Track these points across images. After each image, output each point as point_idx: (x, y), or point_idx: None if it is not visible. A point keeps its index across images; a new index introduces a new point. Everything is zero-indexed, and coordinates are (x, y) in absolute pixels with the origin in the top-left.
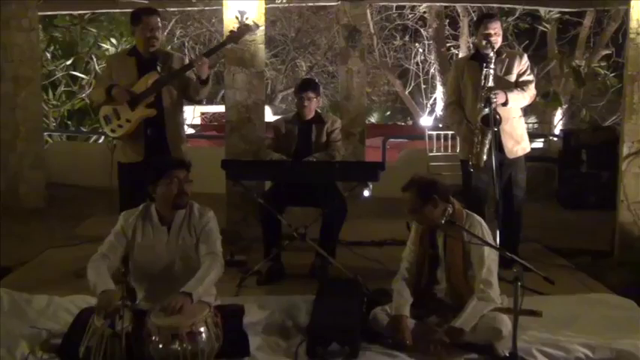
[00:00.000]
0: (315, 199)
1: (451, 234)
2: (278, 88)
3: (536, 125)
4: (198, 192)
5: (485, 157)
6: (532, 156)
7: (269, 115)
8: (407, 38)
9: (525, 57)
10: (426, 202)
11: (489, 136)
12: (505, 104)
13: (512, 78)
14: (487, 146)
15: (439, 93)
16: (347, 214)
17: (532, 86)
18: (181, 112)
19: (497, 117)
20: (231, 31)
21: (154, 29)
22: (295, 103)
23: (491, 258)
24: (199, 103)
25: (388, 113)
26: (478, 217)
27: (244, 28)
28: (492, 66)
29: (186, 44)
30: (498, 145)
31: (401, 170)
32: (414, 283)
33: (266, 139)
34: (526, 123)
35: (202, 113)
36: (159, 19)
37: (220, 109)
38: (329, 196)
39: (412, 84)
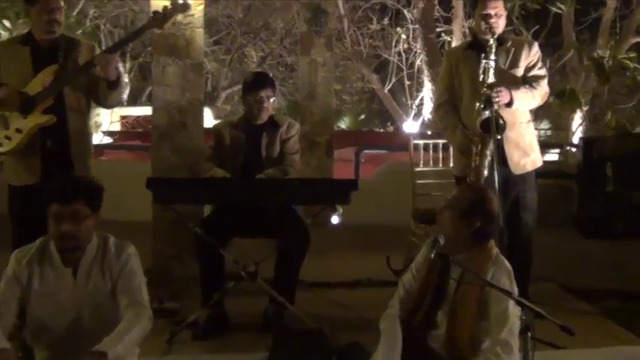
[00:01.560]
0: (268, 228)
1: (471, 271)
2: (221, 84)
3: (549, 132)
4: (115, 219)
5: (485, 173)
6: (544, 171)
7: (209, 119)
8: (386, 21)
9: (536, 46)
10: (470, 221)
11: (491, 146)
12: (510, 105)
13: (519, 72)
14: (488, 159)
15: (427, 91)
16: (310, 246)
17: (544, 83)
18: (89, 117)
19: (501, 122)
20: (154, 13)
21: (55, 10)
22: (243, 103)
23: (515, 314)
24: (110, 108)
25: (363, 117)
26: (507, 263)
27: (170, 10)
28: (493, 57)
29: (102, 28)
30: (502, 158)
31: (379, 189)
32: (405, 321)
33: (205, 151)
34: (537, 129)
35: (122, 117)
36: None
37: (146, 111)
38: (286, 224)
39: (393, 80)
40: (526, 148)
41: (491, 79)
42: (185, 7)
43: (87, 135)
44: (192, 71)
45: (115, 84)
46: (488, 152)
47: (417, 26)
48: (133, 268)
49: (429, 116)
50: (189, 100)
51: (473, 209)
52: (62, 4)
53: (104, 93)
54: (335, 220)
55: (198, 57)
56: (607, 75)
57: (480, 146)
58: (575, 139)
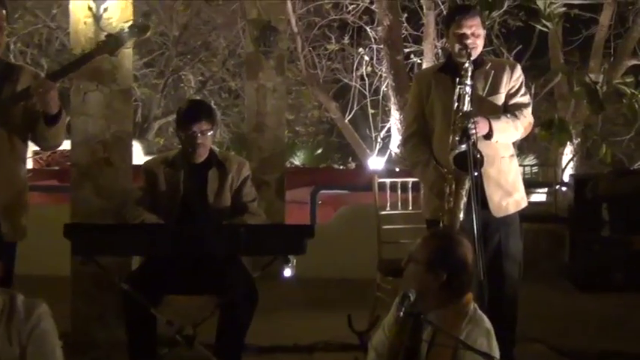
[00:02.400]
0: (209, 284)
1: (442, 331)
2: (153, 113)
3: (535, 169)
4: (27, 274)
5: (461, 216)
6: (531, 214)
7: (139, 156)
8: (346, 40)
9: (518, 69)
10: (437, 274)
11: (467, 185)
12: (489, 137)
13: (500, 99)
14: (464, 200)
15: (395, 121)
16: (258, 304)
17: (528, 111)
18: (24, 160)
19: (479, 156)
20: (108, 36)
21: None
22: (179, 137)
23: None
24: (48, 150)
25: (319, 152)
26: (486, 320)
27: (123, 36)
28: (469, 81)
29: (11, 47)
30: (481, 199)
31: (339, 236)
32: None
33: (134, 192)
34: (521, 165)
35: (35, 153)
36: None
37: (64, 145)
38: (230, 279)
39: (355, 108)
40: (509, 187)
41: (467, 107)
42: (144, 30)
43: (19, 182)
44: (119, 99)
45: (56, 119)
46: (463, 192)
47: (381, 46)
48: (45, 331)
49: (397, 150)
50: (115, 132)
51: (438, 259)
52: (4, 24)
53: (42, 131)
54: (287, 272)
55: (126, 82)
56: (600, 102)
57: (454, 185)
58: (566, 177)
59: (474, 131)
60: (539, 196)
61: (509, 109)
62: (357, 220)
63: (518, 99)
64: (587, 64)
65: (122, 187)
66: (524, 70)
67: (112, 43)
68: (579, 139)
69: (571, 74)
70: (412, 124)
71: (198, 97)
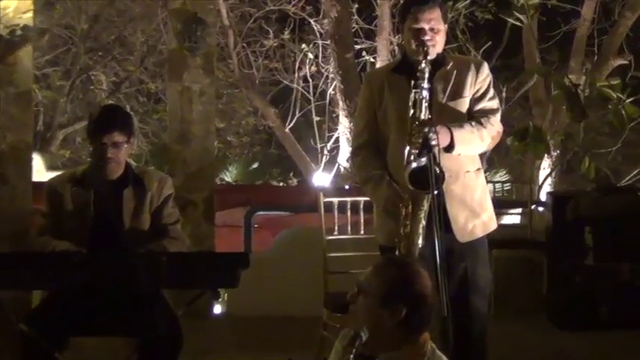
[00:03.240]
0: (124, 323)
1: None
2: (58, 121)
3: (507, 186)
4: None
5: (420, 242)
6: (502, 239)
7: (40, 171)
8: (287, 35)
9: (485, 68)
10: (393, 309)
11: (426, 205)
12: (450, 149)
13: (464, 104)
14: (422, 223)
15: (344, 130)
16: (182, 346)
17: (495, 119)
18: None
19: (438, 171)
20: None
21: None
22: (89, 150)
23: None
24: None
25: (255, 166)
26: None
27: (15, 41)
28: (426, 84)
29: None
30: (443, 221)
31: (278, 266)
32: None
33: (36, 216)
34: (491, 182)
35: None
36: None
37: None
38: (150, 317)
39: (297, 114)
40: (475, 207)
41: (424, 114)
42: (41, 34)
43: None
44: (17, 104)
45: None
46: (422, 214)
47: (328, 42)
48: None
49: (346, 164)
50: (12, 143)
51: (396, 292)
52: None
53: None
54: (217, 309)
55: (26, 84)
56: (582, 108)
57: (411, 205)
58: (543, 195)
59: (434, 142)
60: (512, 217)
61: (475, 116)
62: (300, 246)
63: (485, 104)
64: (567, 63)
65: (19, 208)
66: (493, 70)
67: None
68: (558, 151)
69: (548, 76)
70: (362, 134)
71: (111, 102)
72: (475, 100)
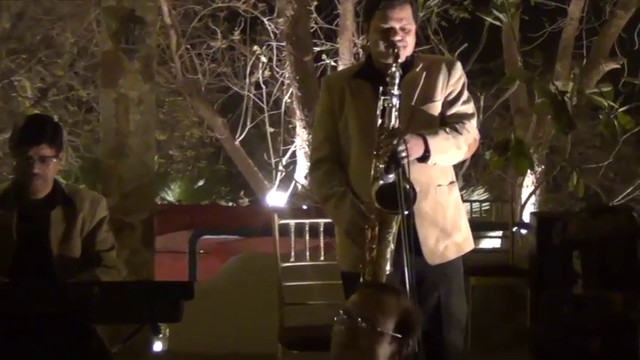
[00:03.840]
0: None
1: None
2: None
3: (486, 206)
4: None
5: (388, 268)
6: (481, 265)
7: None
8: (237, 36)
9: (459, 68)
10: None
11: (395, 227)
12: (425, 159)
13: (435, 108)
14: (391, 246)
15: (301, 143)
16: None
17: (472, 124)
18: None
19: (409, 188)
20: None
21: None
22: (12, 165)
23: None
24: None
25: (201, 183)
26: None
27: None
28: (397, 91)
29: None
30: (412, 243)
31: (227, 297)
32: None
33: None
34: (468, 201)
35: None
36: None
37: None
38: (81, 355)
39: (248, 125)
40: (447, 225)
41: (394, 123)
42: None
43: None
44: None
45: None
46: (390, 237)
47: (284, 44)
48: None
49: (304, 181)
50: None
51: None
52: None
53: None
54: (158, 346)
55: None
56: (570, 118)
57: (378, 228)
58: (526, 216)
59: (404, 155)
60: (492, 241)
61: (448, 122)
62: (252, 275)
63: (458, 108)
64: (552, 68)
65: None
66: (470, 75)
67: None
68: (543, 167)
69: (531, 81)
70: (322, 146)
71: (37, 111)
72: (447, 104)
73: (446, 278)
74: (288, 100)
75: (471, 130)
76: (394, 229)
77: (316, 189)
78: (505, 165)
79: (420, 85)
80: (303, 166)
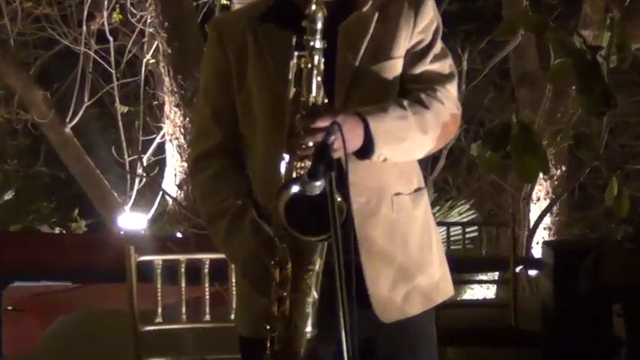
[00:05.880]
0: None
1: None
2: None
3: (472, 230)
4: None
5: (309, 330)
6: (464, 328)
7: None
8: None
9: (430, 7)
10: None
11: (319, 263)
12: (367, 153)
13: (393, 68)
14: (314, 295)
15: (173, 128)
16: None
17: (448, 92)
18: None
19: (339, 199)
20: None
21: None
22: None
23: None
24: None
25: (10, 197)
26: None
27: None
28: (319, 43)
29: None
30: (353, 289)
31: None
32: None
33: None
34: (442, 223)
35: None
36: None
37: None
38: None
39: (86, 101)
40: (409, 260)
41: (315, 94)
42: None
43: None
44: None
45: None
46: (310, 278)
47: None
48: None
49: (177, 192)
50: None
51: None
52: None
53: None
54: None
55: None
56: (606, 90)
57: (290, 264)
58: (537, 249)
59: (336, 147)
60: (482, 289)
61: (411, 89)
62: (92, 343)
63: (427, 66)
64: (577, 9)
65: None
66: (446, 20)
67: None
68: (564, 168)
69: (544, 30)
70: (208, 134)
71: None
72: (411, 61)
73: (407, 346)
74: (152, 61)
75: (446, 101)
76: (318, 265)
77: (200, 202)
78: (502, 165)
79: (370, 34)
80: (175, 166)
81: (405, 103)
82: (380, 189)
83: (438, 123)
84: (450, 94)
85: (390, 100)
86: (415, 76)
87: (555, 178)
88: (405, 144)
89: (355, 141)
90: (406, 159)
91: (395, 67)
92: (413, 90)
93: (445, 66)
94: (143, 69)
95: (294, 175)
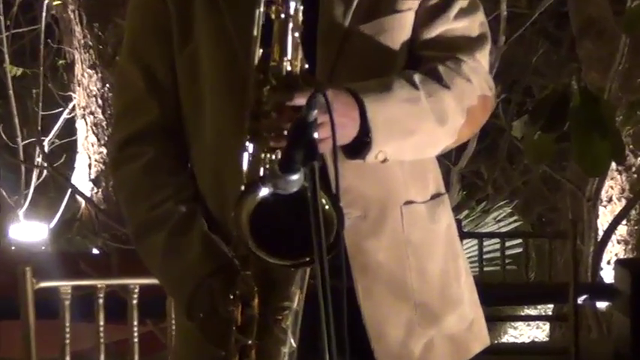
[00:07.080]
0: None
1: None
2: None
3: (515, 244)
4: None
5: None
6: None
7: None
8: None
9: None
10: None
11: (297, 297)
12: (360, 151)
13: (399, 29)
14: (291, 342)
15: (86, 100)
16: None
17: (476, 62)
18: None
19: (327, 206)
20: None
21: None
22: None
23: None
24: None
25: None
26: None
27: None
28: (295, 2)
29: None
30: (348, 332)
31: None
32: None
33: None
34: (471, 234)
35: None
36: None
37: None
38: None
39: None
40: (428, 294)
41: (293, 57)
42: None
43: None
44: None
45: None
46: (286, 320)
47: None
48: None
49: (93, 190)
50: None
51: None
52: None
53: None
54: None
55: None
56: None
57: (257, 299)
58: (608, 271)
59: (325, 134)
60: (529, 328)
61: (425, 57)
62: None
63: (450, 24)
64: None
65: None
66: None
67: None
68: None
69: None
70: (139, 105)
71: None
72: (426, 18)
73: None
74: (56, 3)
75: (474, 78)
76: (296, 301)
77: (125, 206)
78: (558, 152)
79: None
80: (89, 154)
81: (417, 79)
82: (383, 197)
83: (461, 109)
84: (479, 66)
85: (393, 73)
86: (431, 40)
87: (634, 169)
88: (415, 138)
89: (348, 129)
90: (414, 158)
91: (401, 26)
92: (427, 60)
93: (474, 25)
94: (44, 14)
95: (261, 172)
